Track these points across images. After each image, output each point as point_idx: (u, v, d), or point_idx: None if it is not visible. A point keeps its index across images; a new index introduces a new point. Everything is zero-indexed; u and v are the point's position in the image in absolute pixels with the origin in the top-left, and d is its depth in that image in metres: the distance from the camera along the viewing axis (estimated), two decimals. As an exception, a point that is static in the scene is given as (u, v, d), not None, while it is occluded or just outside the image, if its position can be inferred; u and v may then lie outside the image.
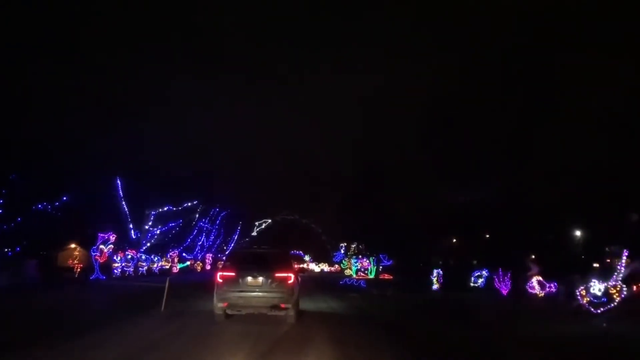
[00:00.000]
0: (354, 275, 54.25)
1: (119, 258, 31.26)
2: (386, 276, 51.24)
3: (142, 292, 20.86)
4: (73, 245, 30.88)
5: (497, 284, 24.04)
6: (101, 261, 28.68)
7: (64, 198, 27.36)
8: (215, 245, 67.16)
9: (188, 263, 53.17)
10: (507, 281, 23.67)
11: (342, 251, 68.65)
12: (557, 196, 32.56)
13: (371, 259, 56.82)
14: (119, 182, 36.47)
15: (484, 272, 28.02)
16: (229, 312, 11.46)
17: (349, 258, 63.57)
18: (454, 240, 51.67)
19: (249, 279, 11.13)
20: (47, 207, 26.25)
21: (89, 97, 40.38)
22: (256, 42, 76.73)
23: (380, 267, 54.26)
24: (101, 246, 28.62)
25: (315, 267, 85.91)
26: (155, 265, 38.03)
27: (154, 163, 43.62)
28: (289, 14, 68.98)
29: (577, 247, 35.74)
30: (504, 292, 23.69)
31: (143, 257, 35.64)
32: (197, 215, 51.50)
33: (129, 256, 32.94)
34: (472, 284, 28.07)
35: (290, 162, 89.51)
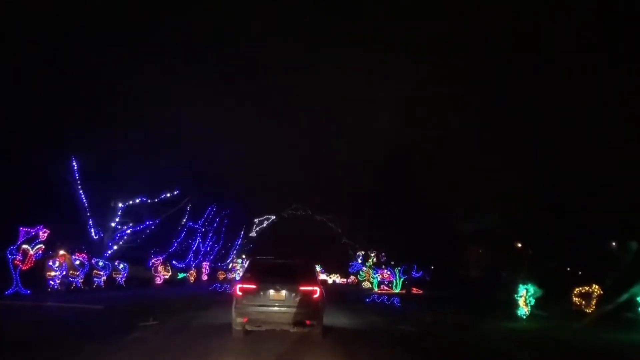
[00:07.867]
0: (376, 289, 44.85)
1: (57, 264, 22.09)
2: (414, 290, 42.06)
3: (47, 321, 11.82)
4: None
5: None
6: (24, 268, 19.60)
7: None
8: (214, 252, 57.89)
9: (187, 274, 43.86)
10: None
11: (360, 260, 59.18)
12: None
13: (396, 269, 47.37)
14: (74, 163, 27.73)
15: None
16: (248, 328, 10.24)
17: (368, 268, 54.10)
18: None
19: (271, 292, 10.12)
20: None
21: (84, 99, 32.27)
22: (263, 38, 68.26)
23: (406, 280, 45.05)
24: (24, 246, 19.54)
25: (327, 279, 76.50)
26: (120, 275, 28.72)
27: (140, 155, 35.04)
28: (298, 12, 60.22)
29: None
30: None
31: (100, 263, 26.36)
32: (187, 214, 42.22)
33: (77, 262, 23.81)
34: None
35: (306, 161, 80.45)
